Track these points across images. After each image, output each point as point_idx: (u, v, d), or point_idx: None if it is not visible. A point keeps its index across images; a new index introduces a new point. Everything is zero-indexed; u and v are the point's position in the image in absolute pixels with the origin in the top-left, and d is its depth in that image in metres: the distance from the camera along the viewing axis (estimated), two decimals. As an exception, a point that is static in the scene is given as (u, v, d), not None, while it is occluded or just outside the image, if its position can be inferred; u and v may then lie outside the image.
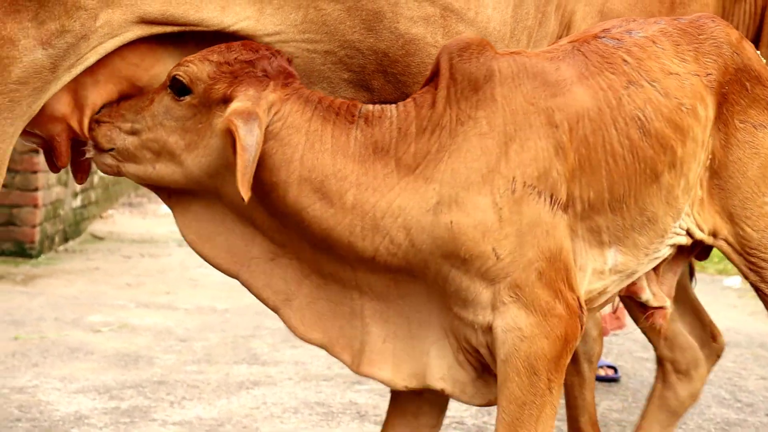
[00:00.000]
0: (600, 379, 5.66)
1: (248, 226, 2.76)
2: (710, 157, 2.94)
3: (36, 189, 8.80)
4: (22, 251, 8.81)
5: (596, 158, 2.74)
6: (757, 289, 3.08)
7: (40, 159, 8.60)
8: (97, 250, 9.49)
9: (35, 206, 8.81)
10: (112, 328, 6.63)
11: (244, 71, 2.65)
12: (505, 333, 2.66)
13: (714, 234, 3.00)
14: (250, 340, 6.41)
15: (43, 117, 2.68)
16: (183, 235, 2.79)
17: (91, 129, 2.73)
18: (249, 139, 2.54)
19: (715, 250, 3.10)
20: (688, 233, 2.96)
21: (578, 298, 2.75)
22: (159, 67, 2.76)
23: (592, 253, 2.81)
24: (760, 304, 3.18)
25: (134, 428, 4.70)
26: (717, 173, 2.96)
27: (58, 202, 9.37)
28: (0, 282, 7.89)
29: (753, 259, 3.03)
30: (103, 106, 2.73)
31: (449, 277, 2.67)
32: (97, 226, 10.55)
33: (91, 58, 2.64)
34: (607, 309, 5.19)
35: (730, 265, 7.53)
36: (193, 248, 2.79)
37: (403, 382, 2.78)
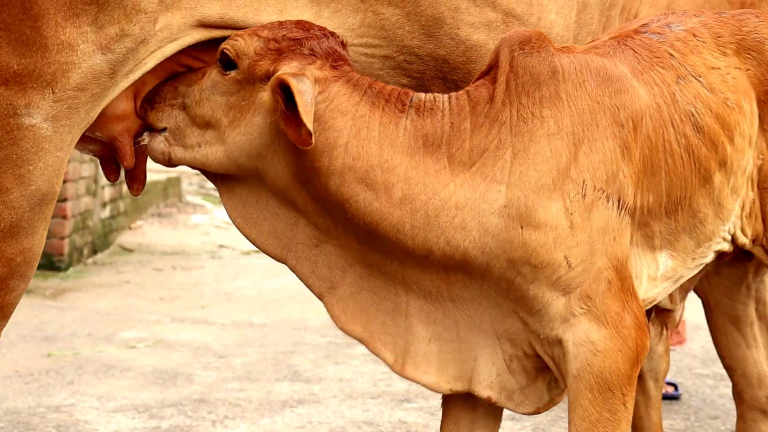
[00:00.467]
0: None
1: (291, 211, 2.75)
2: (761, 156, 2.94)
3: (65, 199, 8.88)
4: (51, 264, 8.89)
5: (657, 158, 2.74)
6: None
7: (70, 166, 8.68)
8: (127, 263, 9.58)
9: (64, 217, 8.89)
10: (148, 344, 6.70)
11: (290, 49, 2.65)
12: (577, 347, 2.64)
13: (754, 239, 2.99)
14: (290, 356, 6.46)
15: (103, 117, 2.72)
16: (230, 218, 2.80)
17: (143, 109, 2.76)
18: (302, 86, 2.53)
19: None
20: (733, 239, 2.95)
21: (642, 308, 2.75)
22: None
23: (646, 258, 2.80)
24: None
25: (176, 448, 4.76)
26: (765, 175, 2.96)
27: (87, 213, 9.46)
28: (29, 296, 7.97)
29: None
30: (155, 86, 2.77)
31: (515, 283, 2.65)
32: (125, 238, 10.65)
33: (150, 63, 2.68)
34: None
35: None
36: (241, 231, 2.81)
37: (448, 384, 2.77)
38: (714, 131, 2.81)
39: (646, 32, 2.87)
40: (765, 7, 3.35)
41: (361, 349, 6.35)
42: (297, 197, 2.71)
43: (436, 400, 3.01)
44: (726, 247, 2.96)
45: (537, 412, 2.81)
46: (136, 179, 2.88)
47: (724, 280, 3.47)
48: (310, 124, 2.50)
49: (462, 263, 2.66)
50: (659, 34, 2.87)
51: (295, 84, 2.52)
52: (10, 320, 2.76)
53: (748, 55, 2.92)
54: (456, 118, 2.66)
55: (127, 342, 6.72)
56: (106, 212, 10.06)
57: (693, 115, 2.79)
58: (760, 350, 3.52)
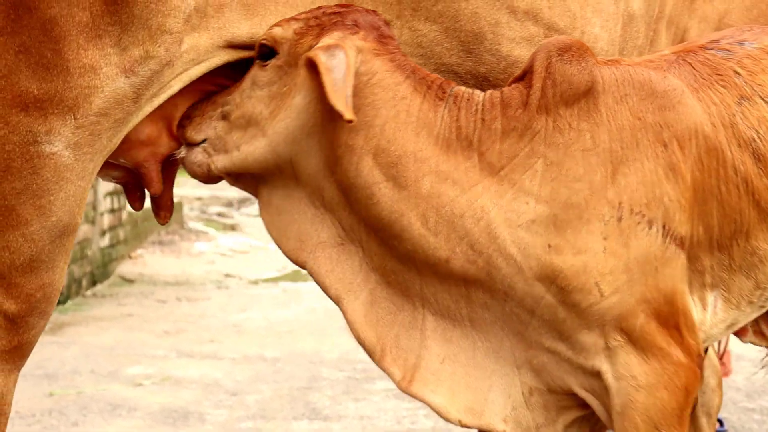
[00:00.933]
0: (704, 433, 5.62)
1: (319, 208, 2.73)
2: None
3: (63, 228, 8.87)
4: (49, 296, 8.87)
5: (709, 184, 2.67)
6: None
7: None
8: (128, 294, 9.56)
9: (62, 247, 8.88)
10: (154, 381, 6.67)
11: (332, 22, 2.64)
12: (618, 381, 2.61)
13: None
14: (307, 393, 6.42)
15: (127, 143, 2.70)
16: (268, 231, 2.80)
17: (181, 126, 2.75)
18: (331, 61, 2.52)
19: None
20: None
21: (698, 343, 2.72)
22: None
23: (693, 297, 2.73)
24: None
25: (192, 492, 4.73)
26: None
27: (86, 242, 9.45)
28: (26, 331, 7.95)
29: None
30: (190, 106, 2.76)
31: (543, 303, 2.62)
32: (125, 268, 10.63)
33: (175, 86, 2.65)
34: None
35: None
36: (276, 243, 2.80)
37: (458, 414, 2.72)
38: None
39: (713, 48, 2.80)
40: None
41: (382, 383, 6.32)
42: (325, 186, 2.69)
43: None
44: None
45: None
46: (164, 206, 2.86)
47: None
48: (339, 105, 2.50)
49: (484, 273, 2.63)
50: (727, 50, 2.80)
51: (323, 60, 2.52)
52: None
53: None
54: (488, 115, 2.65)
55: (133, 379, 6.69)
56: (105, 240, 10.05)
57: (755, 140, 2.71)
58: None
